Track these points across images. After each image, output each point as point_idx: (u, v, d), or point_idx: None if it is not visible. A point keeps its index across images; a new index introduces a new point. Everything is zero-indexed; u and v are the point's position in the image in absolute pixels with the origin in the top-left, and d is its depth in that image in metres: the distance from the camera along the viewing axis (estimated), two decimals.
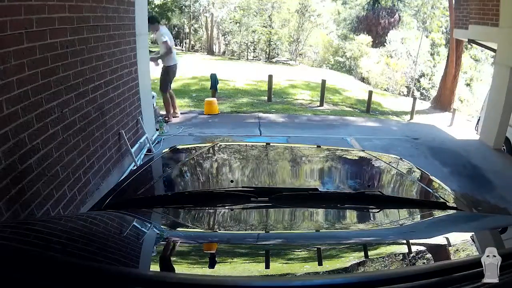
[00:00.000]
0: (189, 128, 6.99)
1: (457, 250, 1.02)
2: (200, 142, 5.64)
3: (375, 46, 20.81)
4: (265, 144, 2.28)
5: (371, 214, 1.37)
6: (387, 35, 20.56)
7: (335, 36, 23.35)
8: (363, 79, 19.66)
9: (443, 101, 14.14)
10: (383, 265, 0.91)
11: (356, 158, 2.22)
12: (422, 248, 1.04)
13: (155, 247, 1.03)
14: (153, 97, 6.22)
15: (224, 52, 24.87)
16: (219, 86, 10.18)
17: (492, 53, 9.05)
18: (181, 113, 7.77)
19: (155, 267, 0.89)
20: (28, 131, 2.45)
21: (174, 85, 8.04)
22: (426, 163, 5.31)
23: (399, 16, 22.16)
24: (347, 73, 20.73)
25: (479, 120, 7.60)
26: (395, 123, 9.46)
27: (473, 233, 1.16)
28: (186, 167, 1.87)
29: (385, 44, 20.35)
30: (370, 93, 11.02)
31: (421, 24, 20.76)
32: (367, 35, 21.01)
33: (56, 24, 2.78)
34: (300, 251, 1.04)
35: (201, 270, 0.88)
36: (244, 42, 23.62)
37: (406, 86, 19.07)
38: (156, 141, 5.82)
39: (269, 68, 16.46)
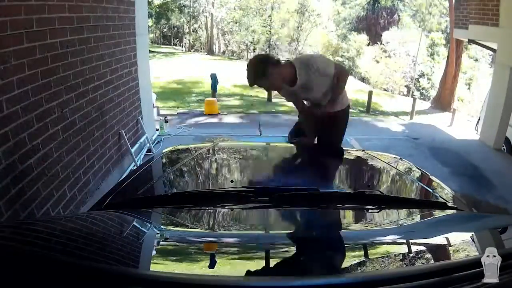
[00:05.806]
0: (189, 128, 6.99)
1: (457, 250, 1.02)
2: (200, 142, 5.64)
3: (372, 45, 20.82)
4: (265, 144, 2.28)
5: (371, 214, 1.37)
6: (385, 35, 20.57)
7: (334, 36, 23.35)
8: (363, 79, 19.67)
9: (443, 101, 14.16)
10: (383, 265, 0.90)
11: (356, 158, 2.22)
12: (422, 248, 1.04)
13: (155, 247, 1.02)
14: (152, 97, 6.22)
15: (223, 52, 24.87)
16: (218, 86, 10.20)
17: (492, 53, 9.04)
18: (180, 113, 7.79)
19: (155, 267, 0.89)
20: (28, 131, 2.45)
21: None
22: (426, 163, 5.30)
23: (399, 16, 22.17)
24: None
25: (479, 120, 7.59)
26: (395, 123, 9.46)
27: (473, 233, 1.16)
28: (186, 167, 1.87)
29: (382, 43, 20.31)
30: (370, 93, 11.01)
31: (420, 24, 20.75)
32: (366, 35, 21.01)
33: (56, 24, 2.78)
34: (300, 251, 1.03)
35: (201, 270, 0.88)
36: (244, 42, 23.62)
37: (406, 86, 19.07)
38: (156, 141, 5.82)
39: None
